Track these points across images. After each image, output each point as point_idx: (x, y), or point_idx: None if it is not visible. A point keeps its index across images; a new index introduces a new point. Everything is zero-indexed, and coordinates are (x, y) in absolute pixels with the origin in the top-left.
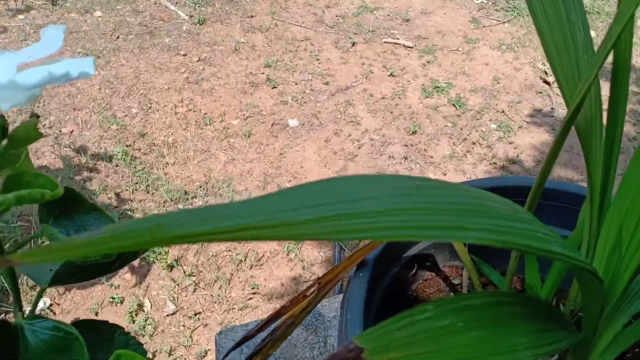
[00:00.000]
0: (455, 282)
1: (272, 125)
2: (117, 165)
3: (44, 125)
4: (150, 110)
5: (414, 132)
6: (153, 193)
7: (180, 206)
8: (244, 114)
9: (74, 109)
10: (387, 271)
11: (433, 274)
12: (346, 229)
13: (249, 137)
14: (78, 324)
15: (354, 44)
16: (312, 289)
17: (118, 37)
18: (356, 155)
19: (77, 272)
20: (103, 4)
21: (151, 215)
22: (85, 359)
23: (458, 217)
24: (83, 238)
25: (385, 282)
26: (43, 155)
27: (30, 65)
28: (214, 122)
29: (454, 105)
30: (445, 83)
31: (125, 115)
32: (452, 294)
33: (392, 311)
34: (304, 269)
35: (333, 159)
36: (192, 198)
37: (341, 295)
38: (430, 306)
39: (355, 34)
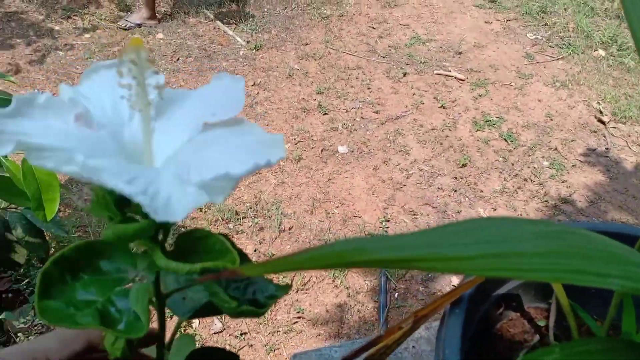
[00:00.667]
0: (540, 323)
1: (321, 150)
2: None
3: None
4: None
5: (464, 165)
6: (205, 211)
7: (231, 226)
8: (295, 139)
9: None
10: (478, 309)
11: (518, 314)
12: (507, 267)
13: (299, 161)
14: (196, 352)
15: (405, 75)
16: (407, 321)
17: (178, 59)
18: (404, 185)
19: (215, 311)
20: (165, 27)
21: (351, 239)
22: None
23: (602, 264)
24: (307, 254)
25: (476, 319)
26: None
27: (213, 126)
28: None
29: (505, 140)
30: (496, 117)
31: None
32: (537, 335)
33: (481, 347)
34: (349, 296)
35: (381, 187)
36: (242, 218)
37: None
38: (557, 349)
39: (407, 64)
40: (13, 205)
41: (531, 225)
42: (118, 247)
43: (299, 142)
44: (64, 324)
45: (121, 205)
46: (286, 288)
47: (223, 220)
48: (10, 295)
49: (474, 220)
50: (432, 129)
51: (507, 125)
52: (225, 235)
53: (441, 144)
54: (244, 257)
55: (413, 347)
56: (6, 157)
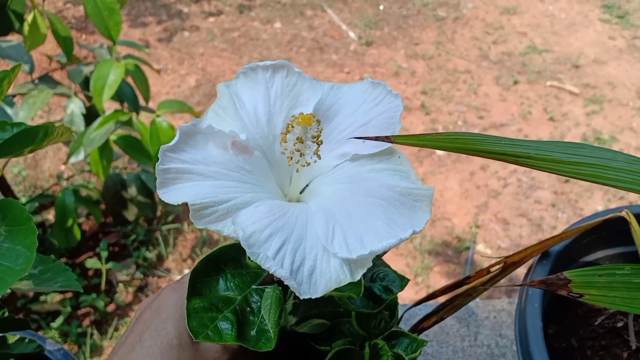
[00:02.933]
0: None
1: (418, 150)
2: None
3: None
4: None
5: (567, 181)
6: None
7: None
8: None
9: None
10: (564, 269)
11: None
12: (598, 174)
13: None
14: None
15: (515, 83)
16: (497, 266)
17: (291, 49)
18: (500, 194)
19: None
20: (283, 17)
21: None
22: None
23: None
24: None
25: None
26: None
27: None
28: None
29: None
30: (608, 136)
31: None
32: None
33: (559, 305)
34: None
35: (475, 193)
36: None
37: (494, 301)
38: (627, 267)
39: (518, 73)
40: (131, 167)
41: (626, 156)
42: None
43: None
44: (207, 338)
45: None
46: (406, 280)
47: None
48: (117, 248)
49: (577, 143)
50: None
51: (618, 145)
52: None
53: None
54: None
55: (494, 317)
56: (137, 117)
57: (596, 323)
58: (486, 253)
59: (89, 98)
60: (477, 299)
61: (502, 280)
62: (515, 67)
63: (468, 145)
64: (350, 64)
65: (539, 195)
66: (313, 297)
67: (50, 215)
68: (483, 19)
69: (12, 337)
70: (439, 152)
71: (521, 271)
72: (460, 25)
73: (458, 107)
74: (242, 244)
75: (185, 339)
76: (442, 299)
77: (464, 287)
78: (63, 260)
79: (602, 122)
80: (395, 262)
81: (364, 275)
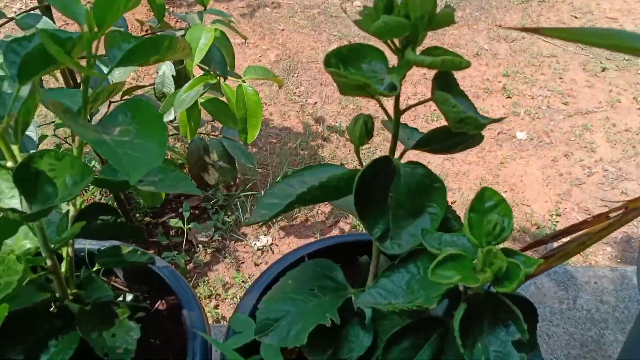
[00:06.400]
0: None
1: (498, 133)
2: (347, 140)
3: (295, 93)
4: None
5: None
6: None
7: None
8: None
9: (321, 84)
10: None
11: None
12: None
13: None
14: None
15: (604, 70)
16: (617, 211)
17: None
18: (584, 183)
19: None
20: None
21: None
22: (441, 205)
23: None
24: None
25: None
26: (289, 117)
27: None
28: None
29: None
30: None
31: (363, 98)
32: None
33: None
34: None
35: (557, 180)
36: None
37: (595, 268)
38: None
39: (608, 59)
40: (213, 134)
41: None
42: (375, 54)
43: None
44: None
45: None
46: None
47: None
48: (197, 211)
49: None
50: (626, 130)
51: None
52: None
53: (634, 147)
54: None
55: (595, 282)
56: (225, 82)
57: None
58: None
59: (176, 63)
60: (576, 265)
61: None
62: (604, 53)
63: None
64: (430, 43)
65: (626, 186)
66: None
67: None
68: (571, 3)
69: (125, 249)
70: (519, 135)
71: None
72: (546, 8)
73: (542, 91)
74: None
75: None
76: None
77: (579, 233)
78: (147, 219)
79: None
80: None
81: None
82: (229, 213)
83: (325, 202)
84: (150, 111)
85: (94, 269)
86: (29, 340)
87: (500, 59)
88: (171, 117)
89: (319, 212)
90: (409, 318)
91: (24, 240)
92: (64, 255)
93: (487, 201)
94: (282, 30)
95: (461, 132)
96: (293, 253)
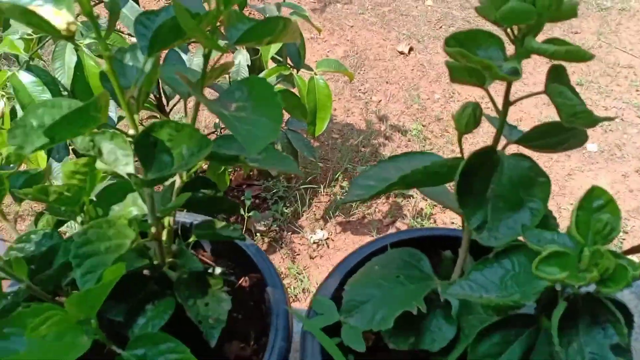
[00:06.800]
0: None
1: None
2: (409, 140)
3: (360, 89)
4: (451, 99)
5: None
6: None
7: None
8: None
9: (387, 82)
10: None
11: None
12: None
13: None
14: None
15: None
16: None
17: (441, 27)
18: None
19: None
20: None
21: None
22: (543, 201)
23: None
24: None
25: None
26: (352, 114)
27: None
28: None
29: None
30: None
31: (428, 98)
32: None
33: None
34: None
35: (627, 196)
36: None
37: None
38: None
39: None
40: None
41: None
42: (492, 41)
43: None
44: None
45: None
46: None
47: None
48: (257, 201)
49: None
50: None
51: None
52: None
53: None
54: None
55: None
56: (298, 73)
57: None
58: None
59: (251, 53)
60: None
61: None
62: None
63: None
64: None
65: None
66: None
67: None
68: None
69: (219, 223)
70: (590, 147)
71: None
72: (626, 18)
73: (616, 103)
74: None
75: None
76: None
77: None
78: None
79: None
80: None
81: None
82: (288, 204)
83: (384, 201)
84: (265, 88)
85: (191, 240)
86: (129, 302)
87: (574, 67)
88: None
89: (377, 210)
90: (496, 314)
91: (132, 207)
92: (165, 224)
93: (595, 200)
94: (352, 26)
95: (568, 130)
96: (375, 242)
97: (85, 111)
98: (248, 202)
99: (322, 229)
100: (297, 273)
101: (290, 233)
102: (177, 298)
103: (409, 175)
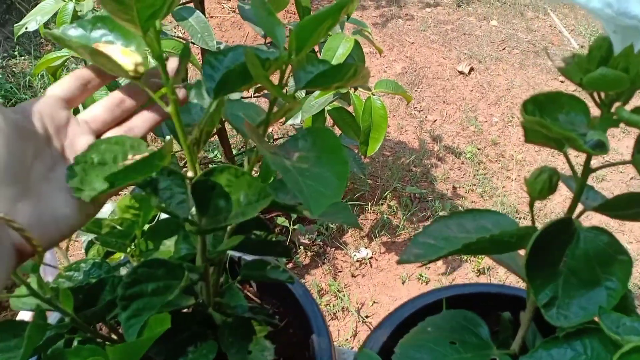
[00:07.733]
0: None
1: (631, 178)
2: (462, 163)
3: (415, 107)
4: (510, 124)
5: None
6: (486, 199)
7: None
8: None
9: (444, 102)
10: None
11: None
12: None
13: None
14: None
15: None
16: None
17: (504, 49)
18: None
19: None
20: (501, 15)
21: None
22: (622, 281)
23: None
24: None
25: None
26: (406, 132)
27: None
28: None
29: None
30: None
31: (486, 121)
32: None
33: None
34: None
35: None
36: (522, 219)
37: None
38: None
39: None
40: None
41: None
42: (575, 105)
43: None
44: None
45: None
46: None
47: None
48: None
49: None
50: None
51: None
52: None
53: None
54: None
55: None
56: (355, 92)
57: None
58: None
59: None
60: None
61: None
62: None
63: None
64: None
65: None
66: None
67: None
68: None
69: (268, 264)
70: None
71: None
72: None
73: None
74: None
75: None
76: None
77: None
78: None
79: None
80: None
81: None
82: None
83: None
84: (331, 140)
85: (237, 279)
86: (171, 342)
87: None
88: (297, 121)
89: None
90: None
91: (182, 244)
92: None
93: None
94: (412, 43)
95: None
96: (429, 294)
97: (149, 161)
98: (294, 215)
99: (366, 247)
100: (337, 290)
101: (333, 249)
102: (219, 342)
103: (474, 243)
